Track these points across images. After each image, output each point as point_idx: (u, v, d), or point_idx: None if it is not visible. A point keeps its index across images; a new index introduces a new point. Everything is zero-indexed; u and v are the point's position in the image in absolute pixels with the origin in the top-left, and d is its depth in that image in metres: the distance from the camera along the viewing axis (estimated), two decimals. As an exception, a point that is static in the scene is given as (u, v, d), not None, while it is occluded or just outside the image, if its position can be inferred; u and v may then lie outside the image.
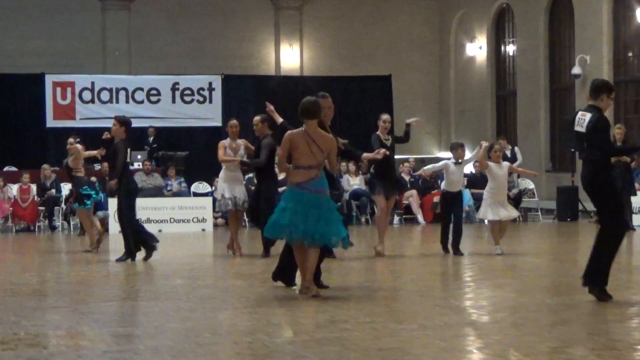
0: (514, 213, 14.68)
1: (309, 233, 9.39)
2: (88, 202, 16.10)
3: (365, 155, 13.68)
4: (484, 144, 14.40)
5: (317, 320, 8.24)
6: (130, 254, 13.94)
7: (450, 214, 14.49)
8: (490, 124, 30.45)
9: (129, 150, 14.04)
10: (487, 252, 14.80)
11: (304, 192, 9.50)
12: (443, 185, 14.70)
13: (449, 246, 14.42)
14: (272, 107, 12.62)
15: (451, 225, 14.46)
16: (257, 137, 14.32)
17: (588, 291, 9.03)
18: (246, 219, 23.02)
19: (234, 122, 14.94)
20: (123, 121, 14.11)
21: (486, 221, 14.92)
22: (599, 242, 9.06)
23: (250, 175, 24.05)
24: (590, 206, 21.81)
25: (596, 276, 8.99)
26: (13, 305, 9.28)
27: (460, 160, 14.47)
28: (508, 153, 23.39)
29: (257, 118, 14.34)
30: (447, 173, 14.46)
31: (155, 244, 14.04)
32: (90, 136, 26.72)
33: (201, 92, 28.13)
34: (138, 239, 14.01)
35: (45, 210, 22.65)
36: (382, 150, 13.50)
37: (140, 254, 13.97)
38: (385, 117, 14.49)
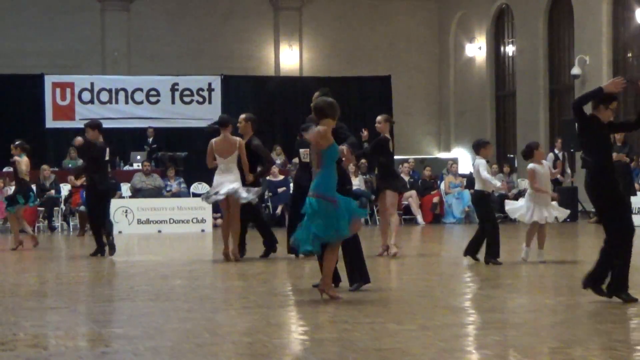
0: (562, 213, 13.42)
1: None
2: (13, 208, 16.84)
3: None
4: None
5: (317, 321, 8.23)
6: (100, 248, 14.85)
7: (490, 215, 13.24)
8: (490, 125, 30.47)
9: (107, 150, 14.94)
10: (484, 251, 14.77)
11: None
12: (476, 185, 13.30)
13: (478, 255, 13.11)
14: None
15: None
16: (241, 136, 14.24)
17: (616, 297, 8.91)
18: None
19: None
20: (93, 125, 15.11)
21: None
22: (609, 250, 8.94)
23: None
24: (589, 207, 21.82)
25: (619, 283, 8.90)
26: (12, 305, 9.27)
27: (488, 160, 13.40)
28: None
29: (242, 116, 14.38)
30: (481, 172, 13.14)
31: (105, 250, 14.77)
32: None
33: (200, 92, 28.15)
34: (97, 237, 15.01)
35: (45, 211, 22.65)
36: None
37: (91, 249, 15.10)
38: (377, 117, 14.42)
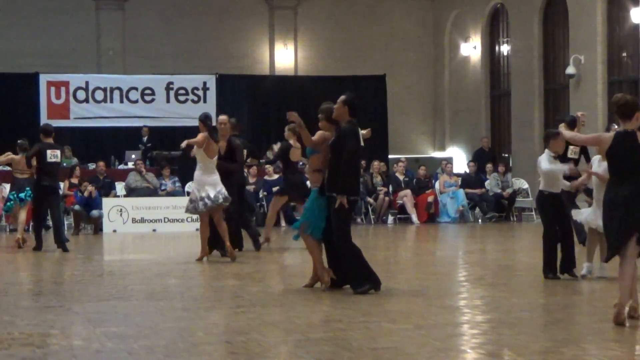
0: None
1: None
2: (8, 205, 17.76)
3: None
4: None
5: (311, 320, 8.24)
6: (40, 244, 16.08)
7: (552, 222, 11.20)
8: (485, 124, 30.47)
9: (48, 151, 15.87)
10: (479, 251, 14.78)
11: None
12: (540, 185, 11.42)
13: (559, 266, 11.15)
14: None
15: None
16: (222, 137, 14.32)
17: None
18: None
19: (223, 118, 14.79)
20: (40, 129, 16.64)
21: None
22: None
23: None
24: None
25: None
26: (7, 304, 9.27)
27: (556, 155, 11.23)
28: None
29: (224, 117, 14.50)
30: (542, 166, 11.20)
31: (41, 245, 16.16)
32: (84, 135, 26.79)
33: (195, 91, 28.10)
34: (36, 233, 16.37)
35: (40, 209, 22.58)
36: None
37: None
38: None
